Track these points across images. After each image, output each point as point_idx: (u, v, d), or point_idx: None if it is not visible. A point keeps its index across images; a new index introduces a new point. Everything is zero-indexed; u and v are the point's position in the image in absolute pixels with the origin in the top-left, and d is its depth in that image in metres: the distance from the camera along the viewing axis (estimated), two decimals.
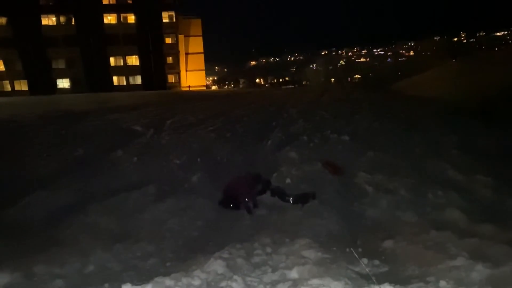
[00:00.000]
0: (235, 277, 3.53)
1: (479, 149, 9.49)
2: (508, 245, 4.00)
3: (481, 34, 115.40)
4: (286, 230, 4.84)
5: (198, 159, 9.07)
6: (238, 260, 3.91)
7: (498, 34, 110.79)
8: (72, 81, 52.66)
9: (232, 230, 5.30)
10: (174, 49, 56.60)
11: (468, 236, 4.40)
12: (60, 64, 52.38)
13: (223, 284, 3.42)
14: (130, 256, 4.52)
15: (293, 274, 3.55)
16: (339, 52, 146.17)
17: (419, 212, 5.60)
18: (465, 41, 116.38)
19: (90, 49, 50.75)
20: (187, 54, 60.95)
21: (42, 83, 48.96)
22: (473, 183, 6.92)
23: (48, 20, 51.50)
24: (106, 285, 3.82)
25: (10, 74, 50.83)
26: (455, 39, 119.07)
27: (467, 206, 5.79)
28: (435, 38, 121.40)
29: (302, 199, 6.13)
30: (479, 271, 3.36)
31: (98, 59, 51.54)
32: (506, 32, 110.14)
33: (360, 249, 4.55)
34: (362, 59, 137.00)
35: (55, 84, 51.99)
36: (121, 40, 52.36)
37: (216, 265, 3.70)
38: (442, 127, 12.54)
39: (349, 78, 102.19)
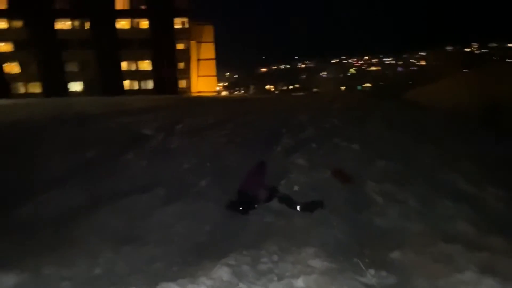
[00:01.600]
0: (241, 285, 3.53)
1: (490, 161, 9.38)
2: None
3: (493, 45, 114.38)
4: (293, 238, 4.82)
5: (208, 164, 9.11)
6: (244, 267, 3.91)
7: (510, 45, 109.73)
8: (84, 84, 53.31)
9: (239, 236, 5.30)
10: (186, 55, 56.96)
11: (478, 249, 4.35)
12: (74, 67, 53.09)
13: None
14: (137, 259, 4.55)
15: (299, 283, 3.54)
16: (350, 60, 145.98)
17: (428, 223, 5.55)
18: (477, 51, 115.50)
19: (103, 53, 51.35)
20: (199, 60, 61.33)
21: (56, 86, 49.61)
22: (484, 194, 6.84)
23: (63, 24, 52.33)
24: None
25: (24, 76, 51.67)
26: (468, 49, 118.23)
27: (477, 218, 5.72)
28: (447, 48, 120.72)
29: (310, 207, 6.12)
30: (489, 286, 3.31)
31: (111, 63, 52.12)
32: None
33: (367, 260, 4.51)
34: (373, 68, 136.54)
35: (68, 87, 52.69)
36: (134, 45, 52.90)
37: (222, 272, 3.71)
38: (453, 138, 12.42)
39: (359, 86, 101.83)
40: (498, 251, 4.36)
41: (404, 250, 4.59)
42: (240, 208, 6.20)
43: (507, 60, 61.05)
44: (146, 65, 55.12)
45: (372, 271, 4.00)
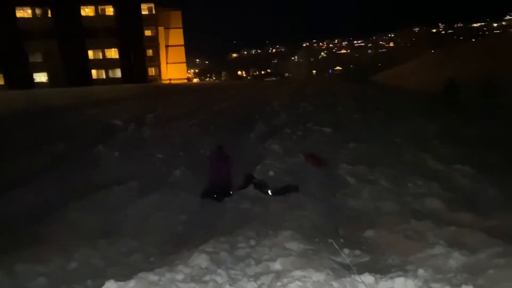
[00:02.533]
0: (219, 270, 3.55)
1: (458, 139, 9.71)
2: (485, 233, 4.12)
3: (459, 25, 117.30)
4: (270, 222, 4.88)
5: (181, 153, 9.04)
6: (222, 253, 3.94)
7: (475, 25, 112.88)
8: (50, 75, 51.41)
9: (216, 223, 5.32)
10: (154, 42, 55.73)
11: (447, 225, 4.52)
12: (37, 58, 51.06)
13: (206, 278, 3.43)
14: (114, 252, 4.51)
15: (277, 266, 3.59)
16: (320, 44, 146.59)
17: (399, 202, 5.72)
18: (443, 32, 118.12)
19: (67, 42, 49.48)
20: (167, 46, 60.11)
21: (19, 77, 47.65)
22: (453, 172, 7.09)
23: (24, 13, 50.08)
24: (89, 281, 3.81)
25: None
26: (434, 30, 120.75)
27: (446, 195, 5.94)
28: (414, 29, 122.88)
29: (282, 191, 6.20)
30: (456, 259, 3.47)
31: (76, 52, 50.36)
32: (482, 24, 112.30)
33: (342, 240, 4.64)
34: (343, 51, 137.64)
35: (33, 78, 50.72)
36: (100, 33, 51.23)
37: (200, 259, 3.72)
38: (422, 118, 12.77)
39: (330, 70, 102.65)
40: (465, 225, 4.56)
41: (377, 229, 4.73)
42: (215, 196, 6.22)
43: (472, 40, 62.77)
44: (113, 53, 53.59)
45: (346, 251, 4.11)
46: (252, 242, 4.29)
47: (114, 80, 51.64)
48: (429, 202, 5.63)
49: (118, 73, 53.73)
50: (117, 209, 5.71)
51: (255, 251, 4.06)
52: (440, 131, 10.54)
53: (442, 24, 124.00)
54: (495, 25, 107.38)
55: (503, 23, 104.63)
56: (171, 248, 4.56)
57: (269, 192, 6.23)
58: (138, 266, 4.04)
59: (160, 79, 57.31)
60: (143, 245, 4.72)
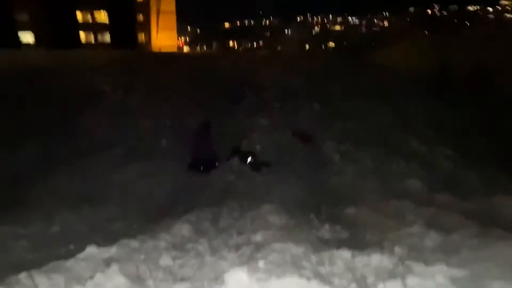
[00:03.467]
0: (201, 240, 3.61)
1: (443, 123, 9.82)
2: (461, 213, 4.25)
3: (454, 7, 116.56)
4: (254, 195, 4.94)
5: (168, 122, 8.97)
6: (205, 223, 3.99)
7: (470, 8, 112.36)
8: (36, 36, 49.86)
9: (201, 194, 5.37)
10: (145, 6, 54.25)
11: (426, 205, 4.64)
12: (24, 17, 49.37)
13: (188, 246, 3.49)
14: (97, 218, 4.53)
15: (258, 238, 3.66)
16: (314, 18, 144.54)
17: (382, 181, 5.83)
18: (438, 14, 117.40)
19: (55, 1, 47.75)
20: (158, 12, 58.56)
21: (5, 36, 46.14)
22: (434, 154, 7.22)
23: None
24: (71, 246, 3.83)
25: None
26: (429, 11, 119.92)
27: (427, 176, 6.07)
28: (409, 9, 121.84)
29: (257, 166, 6.29)
30: (432, 239, 3.57)
31: (64, 13, 48.74)
32: (478, 7, 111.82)
33: (323, 216, 4.72)
34: (337, 27, 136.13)
35: (19, 38, 49.14)
36: None
37: (183, 229, 3.77)
38: (410, 100, 12.81)
39: (323, 46, 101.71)
40: (443, 206, 4.68)
41: (359, 206, 4.82)
42: (202, 168, 6.25)
43: (466, 22, 62.59)
44: (102, 16, 52.03)
45: (327, 226, 4.20)
46: (235, 214, 4.35)
47: (103, 45, 50.38)
48: (410, 183, 5.74)
49: (107, 37, 52.37)
50: (102, 175, 5.70)
51: (238, 223, 4.12)
52: (426, 114, 10.63)
53: (437, 5, 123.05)
54: (490, 9, 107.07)
55: (498, 7, 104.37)
56: (154, 217, 4.60)
57: (248, 160, 6.32)
58: (121, 233, 4.07)
59: (150, 45, 56.06)
60: (127, 212, 4.75)
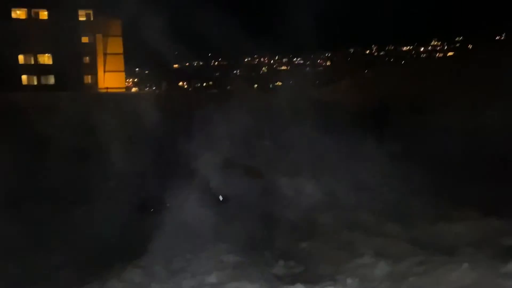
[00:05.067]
0: (153, 284, 3.47)
1: (386, 154, 10.29)
2: (408, 243, 4.43)
3: (390, 47, 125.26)
4: (207, 234, 4.85)
5: (116, 165, 8.71)
6: (156, 267, 3.85)
7: (404, 48, 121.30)
8: None
9: (151, 236, 5.19)
10: (91, 49, 53.54)
11: (375, 235, 4.78)
12: None
13: None
14: (42, 267, 4.24)
15: (212, 279, 3.59)
16: (262, 59, 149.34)
17: (334, 214, 5.95)
18: (376, 54, 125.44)
19: None
20: (105, 54, 57.97)
21: None
22: (381, 186, 7.52)
23: None
24: None
25: None
26: (367, 51, 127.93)
27: (376, 207, 6.28)
28: (349, 49, 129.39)
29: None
30: (381, 268, 3.68)
31: (5, 57, 46.94)
32: (410, 47, 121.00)
33: (277, 251, 4.72)
34: (284, 67, 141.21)
35: None
36: (32, 37, 48.18)
37: (133, 274, 3.61)
38: (354, 133, 13.38)
39: (271, 85, 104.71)
40: (392, 236, 4.85)
41: (312, 240, 4.88)
42: (152, 210, 6.08)
43: (402, 62, 67.46)
44: (46, 58, 50.63)
45: (281, 262, 4.20)
46: (188, 256, 4.24)
47: (47, 87, 48.71)
48: (360, 214, 5.91)
49: (51, 79, 50.79)
50: (46, 221, 5.38)
51: (191, 264, 4.02)
52: (371, 146, 11.11)
53: (374, 45, 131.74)
54: (422, 49, 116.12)
55: (429, 48, 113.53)
56: (103, 262, 4.37)
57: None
58: (69, 282, 3.83)
59: (97, 87, 54.96)
60: (74, 259, 4.48)
